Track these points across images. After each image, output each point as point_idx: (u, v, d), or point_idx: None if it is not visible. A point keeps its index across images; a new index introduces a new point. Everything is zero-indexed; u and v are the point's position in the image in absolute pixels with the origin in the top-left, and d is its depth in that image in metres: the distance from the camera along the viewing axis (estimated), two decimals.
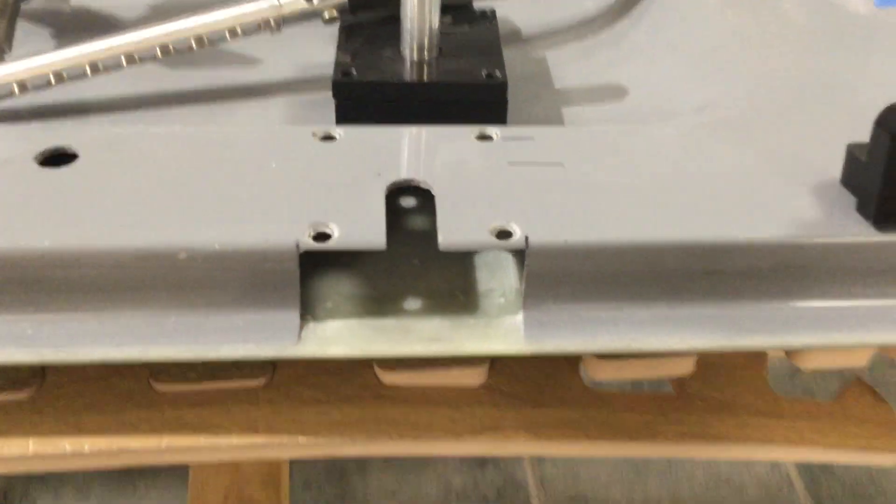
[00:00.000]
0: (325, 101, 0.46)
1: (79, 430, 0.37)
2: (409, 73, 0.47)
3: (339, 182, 0.38)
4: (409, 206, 0.41)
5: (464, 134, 0.42)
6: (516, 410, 0.41)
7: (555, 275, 0.37)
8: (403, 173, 0.39)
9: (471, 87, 0.46)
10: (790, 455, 0.42)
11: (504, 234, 0.36)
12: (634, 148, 0.42)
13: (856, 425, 0.43)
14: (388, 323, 0.37)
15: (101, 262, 0.35)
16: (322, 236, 0.36)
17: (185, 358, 0.35)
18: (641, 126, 0.47)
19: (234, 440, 0.38)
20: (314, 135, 0.42)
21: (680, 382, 0.43)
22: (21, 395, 0.37)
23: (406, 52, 0.48)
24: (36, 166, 0.39)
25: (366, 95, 0.46)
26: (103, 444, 0.37)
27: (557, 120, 0.48)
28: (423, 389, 0.40)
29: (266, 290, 0.36)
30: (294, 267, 0.36)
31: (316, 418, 0.39)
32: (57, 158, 0.40)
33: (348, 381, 0.40)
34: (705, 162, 0.41)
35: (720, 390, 0.43)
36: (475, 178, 0.39)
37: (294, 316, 0.36)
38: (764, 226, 0.37)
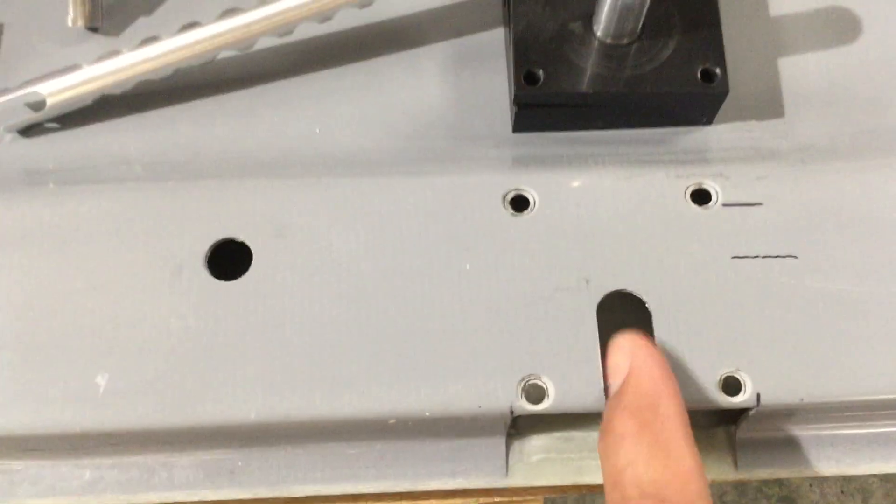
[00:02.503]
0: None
1: None
2: (607, 77, 0.37)
3: (544, 298, 0.34)
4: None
5: (672, 189, 0.36)
6: None
7: (776, 414, 0.35)
8: (613, 278, 0.35)
9: (683, 95, 0.37)
10: None
11: (731, 385, 0.33)
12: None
13: None
14: (591, 436, 0.37)
15: (311, 425, 0.33)
16: (535, 392, 0.33)
17: (395, 491, 0.36)
18: None
19: None
20: (504, 200, 0.36)
21: None
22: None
23: (598, 34, 0.38)
24: (207, 274, 0.35)
25: (552, 103, 0.38)
26: None
27: (775, 128, 0.40)
28: None
29: (473, 433, 0.35)
30: (505, 423, 0.34)
31: None
32: (224, 252, 0.36)
33: None
34: None
35: None
36: (694, 284, 0.35)
37: (500, 443, 0.36)
38: None
